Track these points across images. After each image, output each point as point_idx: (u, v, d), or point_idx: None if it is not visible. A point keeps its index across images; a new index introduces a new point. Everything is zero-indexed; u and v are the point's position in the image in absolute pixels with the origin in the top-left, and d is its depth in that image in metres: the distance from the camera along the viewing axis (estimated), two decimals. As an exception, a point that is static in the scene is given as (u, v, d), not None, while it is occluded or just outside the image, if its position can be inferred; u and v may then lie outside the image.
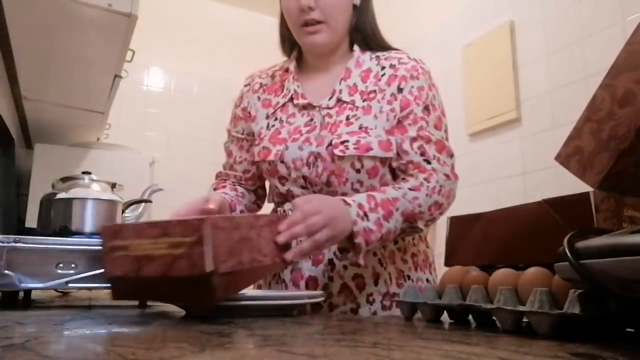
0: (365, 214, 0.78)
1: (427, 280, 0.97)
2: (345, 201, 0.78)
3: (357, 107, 0.92)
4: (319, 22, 0.92)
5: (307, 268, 0.90)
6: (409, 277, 0.94)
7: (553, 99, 2.21)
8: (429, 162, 0.90)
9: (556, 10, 2.24)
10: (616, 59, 0.55)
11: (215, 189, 1.06)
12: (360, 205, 0.79)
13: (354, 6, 0.97)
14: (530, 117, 2.31)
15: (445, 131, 0.95)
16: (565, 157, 0.59)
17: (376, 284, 0.90)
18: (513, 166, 2.35)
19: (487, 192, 2.46)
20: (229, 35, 3.71)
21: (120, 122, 3.01)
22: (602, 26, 2.02)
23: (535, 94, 2.29)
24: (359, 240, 0.76)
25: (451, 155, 0.94)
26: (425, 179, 0.88)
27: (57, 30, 1.31)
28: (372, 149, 0.88)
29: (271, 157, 0.93)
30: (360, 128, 0.90)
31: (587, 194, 0.50)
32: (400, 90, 0.93)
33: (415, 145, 0.90)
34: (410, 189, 0.86)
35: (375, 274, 0.90)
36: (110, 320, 0.61)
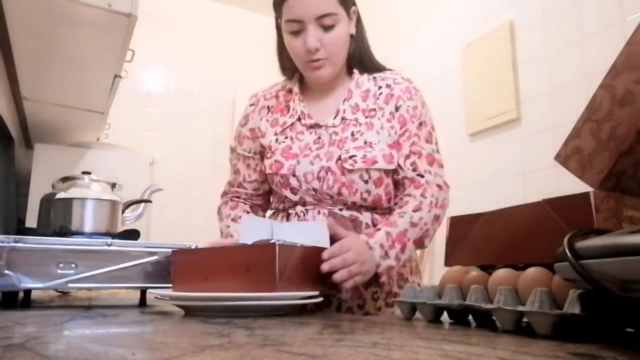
0: (386, 253, 0.88)
1: (419, 285, 1.07)
2: (369, 244, 0.87)
3: (361, 124, 1.01)
4: (321, 59, 0.99)
5: None
6: (407, 279, 1.03)
7: (553, 99, 2.21)
8: (422, 176, 0.99)
9: (556, 10, 2.24)
10: (616, 59, 0.55)
11: (226, 207, 1.13)
12: (381, 246, 0.88)
13: (351, 35, 1.05)
14: (530, 117, 2.31)
15: (436, 144, 1.05)
16: (564, 157, 0.59)
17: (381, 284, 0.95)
18: (513, 166, 2.35)
19: (487, 192, 2.46)
20: (229, 35, 3.71)
21: (120, 122, 3.01)
22: (602, 26, 2.02)
23: (535, 94, 2.29)
24: (384, 279, 0.88)
25: (441, 166, 1.03)
26: (421, 194, 0.97)
27: (57, 30, 1.31)
28: (377, 162, 0.97)
29: (284, 171, 1.00)
30: (365, 143, 0.99)
31: (587, 194, 0.50)
32: (397, 109, 1.03)
33: (408, 162, 1.00)
34: (414, 211, 0.95)
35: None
36: (110, 320, 0.61)
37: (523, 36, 2.39)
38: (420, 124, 1.03)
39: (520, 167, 2.32)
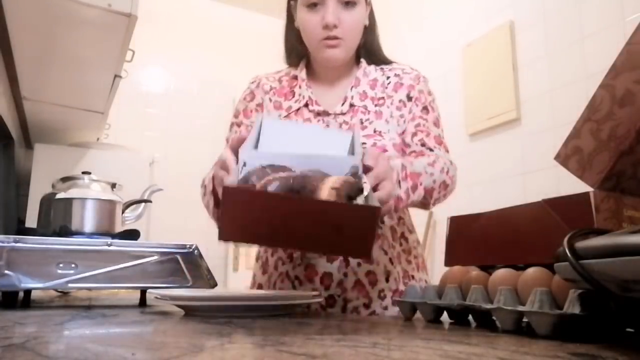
0: (399, 182, 0.81)
1: (426, 281, 1.04)
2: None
3: (369, 112, 0.99)
4: (337, 38, 0.97)
5: (322, 265, 0.91)
6: (413, 277, 0.99)
7: (553, 99, 2.21)
8: (431, 150, 0.96)
9: (556, 10, 2.24)
10: (616, 59, 0.55)
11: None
12: (397, 173, 0.81)
13: (364, 26, 1.03)
14: (530, 117, 2.31)
15: (442, 131, 1.03)
16: (564, 157, 0.59)
17: (387, 280, 0.94)
18: (513, 166, 2.35)
19: (487, 192, 2.46)
20: (229, 35, 3.71)
21: (120, 122, 3.01)
22: (602, 26, 2.02)
23: (535, 94, 2.29)
24: (390, 204, 0.76)
25: (447, 152, 1.01)
26: (433, 160, 0.93)
27: (57, 30, 1.31)
28: (387, 150, 0.94)
29: None
30: (374, 131, 0.97)
31: (587, 194, 0.50)
32: (410, 98, 1.01)
33: (416, 138, 0.98)
34: (428, 164, 0.90)
35: (387, 271, 0.94)
36: (110, 320, 0.61)
37: (523, 36, 2.39)
38: (425, 108, 1.01)
39: (520, 167, 2.32)
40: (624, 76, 0.54)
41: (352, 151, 0.77)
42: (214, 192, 0.84)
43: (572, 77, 2.12)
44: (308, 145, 0.74)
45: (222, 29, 3.70)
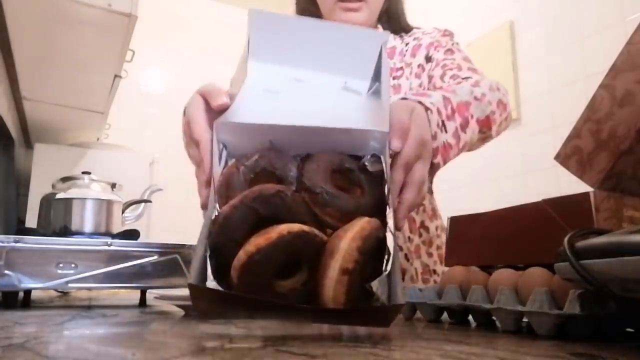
0: (444, 124, 0.62)
1: None
2: (423, 105, 0.58)
3: None
4: (360, 1, 0.84)
5: None
6: (434, 271, 0.89)
7: (553, 99, 2.21)
8: (470, 78, 0.78)
9: (556, 10, 2.24)
10: (616, 59, 0.55)
11: None
12: (439, 112, 0.61)
13: None
14: (530, 117, 2.31)
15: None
16: (564, 157, 0.59)
17: (402, 279, 0.85)
18: (513, 166, 2.35)
19: (487, 192, 2.46)
20: (229, 35, 3.71)
21: (120, 122, 3.01)
22: (602, 26, 2.01)
23: (535, 94, 2.29)
24: (438, 160, 0.59)
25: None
26: (477, 80, 0.76)
27: (57, 30, 1.31)
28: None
29: None
30: None
31: (587, 194, 0.50)
32: (429, 59, 0.88)
33: (446, 77, 0.81)
34: (472, 86, 0.71)
35: (402, 270, 0.87)
36: (110, 320, 0.61)
37: (523, 36, 2.39)
38: (452, 50, 0.88)
39: (520, 167, 2.32)
40: (624, 76, 0.54)
41: (376, 79, 0.54)
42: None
43: (572, 77, 2.12)
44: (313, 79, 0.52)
45: (223, 29, 3.70)
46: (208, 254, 0.41)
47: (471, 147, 0.72)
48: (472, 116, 0.68)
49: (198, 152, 0.49)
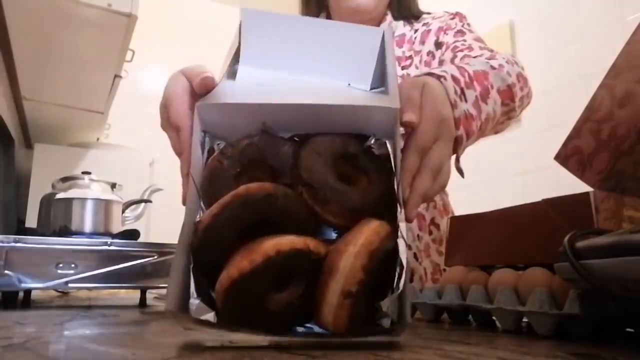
0: (463, 92, 0.53)
1: None
2: (436, 75, 0.52)
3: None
4: None
5: None
6: (445, 270, 0.86)
7: (553, 99, 2.21)
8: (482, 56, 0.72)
9: (556, 10, 2.24)
10: (616, 59, 0.55)
11: None
12: (454, 79, 0.53)
13: None
14: (530, 117, 2.31)
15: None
16: (564, 157, 0.59)
17: (411, 280, 0.85)
18: (513, 166, 2.35)
19: (487, 192, 2.46)
20: (230, 35, 3.70)
21: (120, 122, 3.00)
22: (602, 26, 2.01)
23: (535, 93, 2.29)
24: (460, 132, 0.51)
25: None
26: (491, 54, 0.71)
27: (57, 30, 1.31)
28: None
29: None
30: None
31: (587, 194, 0.50)
32: (438, 45, 0.85)
33: (457, 59, 0.76)
34: (487, 59, 0.65)
35: (410, 269, 0.84)
36: (110, 320, 0.61)
37: (523, 36, 2.39)
38: (463, 31, 0.83)
39: (520, 167, 2.32)
40: (624, 76, 0.54)
41: (381, 72, 0.48)
42: None
43: (571, 77, 2.12)
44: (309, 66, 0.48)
45: (223, 29, 3.69)
46: (192, 267, 0.38)
47: (495, 124, 0.64)
48: (492, 86, 0.60)
49: (177, 139, 0.45)
